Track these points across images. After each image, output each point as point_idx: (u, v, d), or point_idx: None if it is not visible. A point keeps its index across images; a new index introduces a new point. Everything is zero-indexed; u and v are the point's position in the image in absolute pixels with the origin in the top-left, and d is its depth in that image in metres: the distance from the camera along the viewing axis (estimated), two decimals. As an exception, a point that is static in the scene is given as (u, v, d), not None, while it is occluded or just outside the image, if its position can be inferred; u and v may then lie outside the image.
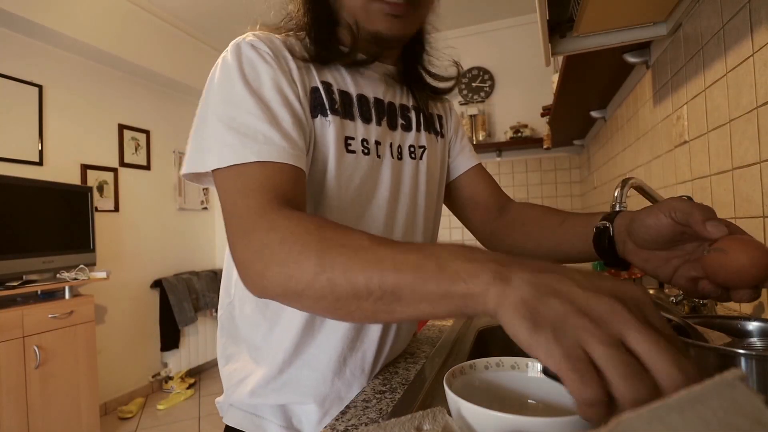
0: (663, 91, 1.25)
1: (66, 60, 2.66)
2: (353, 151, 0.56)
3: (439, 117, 0.72)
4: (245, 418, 0.62)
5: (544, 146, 2.99)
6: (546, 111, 2.64)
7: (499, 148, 3.30)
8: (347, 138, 0.55)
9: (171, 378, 3.10)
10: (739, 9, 0.78)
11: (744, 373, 0.30)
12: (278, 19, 0.59)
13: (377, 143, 0.59)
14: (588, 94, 1.89)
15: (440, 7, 0.66)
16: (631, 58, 1.37)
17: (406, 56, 0.67)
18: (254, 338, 0.61)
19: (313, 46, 0.56)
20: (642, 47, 1.35)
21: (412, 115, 0.65)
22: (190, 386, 3.12)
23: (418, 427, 0.35)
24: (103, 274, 2.49)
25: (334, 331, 0.58)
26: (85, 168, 2.74)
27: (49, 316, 2.11)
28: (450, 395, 0.34)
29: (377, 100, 0.60)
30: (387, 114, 0.61)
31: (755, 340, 0.45)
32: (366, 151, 0.57)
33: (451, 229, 3.49)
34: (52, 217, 2.36)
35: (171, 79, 3.18)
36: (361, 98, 0.58)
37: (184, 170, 0.51)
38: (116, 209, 2.93)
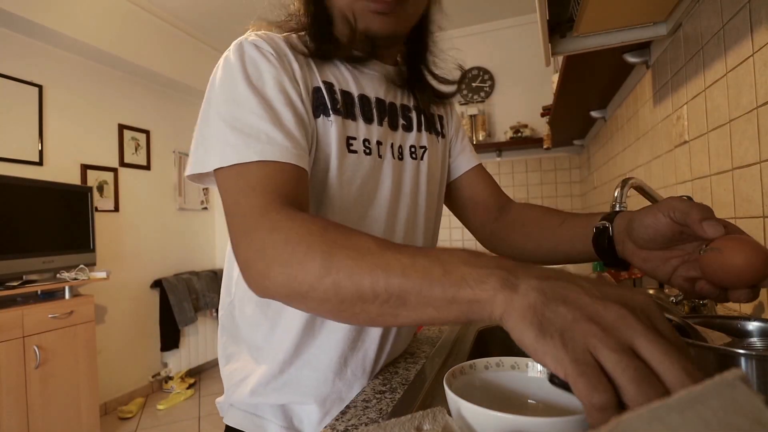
0: (663, 91, 1.25)
1: (66, 60, 2.66)
2: (355, 151, 0.56)
3: (440, 117, 0.72)
4: (245, 418, 0.62)
5: (544, 146, 2.99)
6: (546, 111, 2.64)
7: (499, 148, 3.30)
8: (349, 138, 0.55)
9: (171, 378, 3.10)
10: (739, 9, 0.78)
11: (744, 373, 0.30)
12: (278, 18, 0.59)
13: (379, 143, 0.58)
14: (588, 94, 1.89)
15: (447, 6, 0.66)
16: (631, 58, 1.37)
17: (410, 57, 0.67)
18: (255, 338, 0.61)
19: (313, 42, 0.56)
20: (642, 47, 1.35)
21: (413, 115, 0.65)
22: (190, 386, 3.12)
23: (418, 427, 0.35)
24: (103, 274, 2.49)
25: (335, 331, 0.58)
26: (85, 168, 2.74)
27: (49, 316, 2.11)
28: (450, 395, 0.34)
29: (378, 100, 0.60)
30: (388, 114, 0.61)
31: (755, 340, 0.45)
32: (367, 151, 0.57)
33: (451, 229, 3.49)
34: (52, 217, 2.36)
35: (171, 79, 3.18)
36: (363, 98, 0.58)
37: (187, 172, 0.51)
38: (116, 209, 2.93)
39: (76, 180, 2.68)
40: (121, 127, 3.00)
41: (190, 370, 3.29)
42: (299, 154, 0.47)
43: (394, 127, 0.62)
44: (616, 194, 0.73)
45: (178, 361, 3.21)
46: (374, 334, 0.61)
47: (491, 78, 3.43)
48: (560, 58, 1.68)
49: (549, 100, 2.54)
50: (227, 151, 0.45)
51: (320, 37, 0.56)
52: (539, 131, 3.20)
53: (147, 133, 3.20)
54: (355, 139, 0.56)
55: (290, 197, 0.44)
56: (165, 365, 3.19)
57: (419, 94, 0.67)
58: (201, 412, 2.77)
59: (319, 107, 0.54)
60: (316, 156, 0.53)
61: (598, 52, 1.21)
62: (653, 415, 0.20)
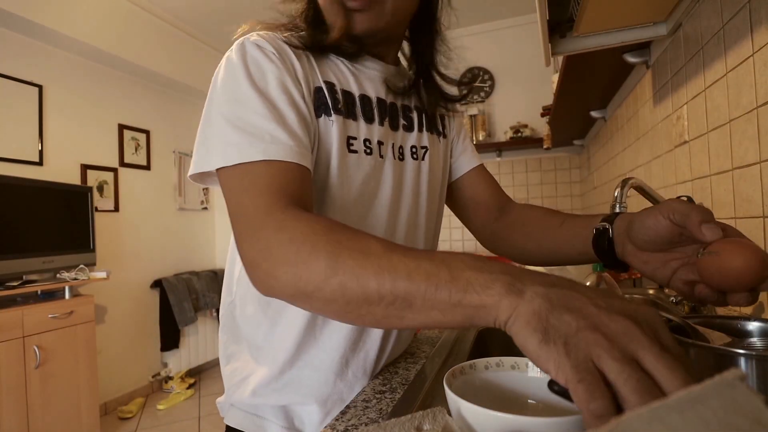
0: (663, 91, 1.25)
1: (66, 60, 2.66)
2: (355, 151, 0.56)
3: (442, 117, 0.71)
4: (246, 418, 0.62)
5: (544, 146, 2.99)
6: (546, 111, 2.64)
7: (499, 148, 3.30)
8: (349, 138, 0.55)
9: (171, 378, 3.10)
10: (739, 9, 0.78)
11: (744, 373, 0.30)
12: (274, 20, 0.59)
13: (380, 143, 0.58)
14: (588, 94, 1.89)
15: (457, 5, 0.65)
16: (631, 58, 1.37)
17: (416, 57, 0.66)
18: (255, 337, 0.61)
19: (310, 37, 0.56)
20: (642, 47, 1.35)
21: (414, 115, 0.65)
22: (190, 386, 3.12)
23: (418, 427, 0.35)
24: (103, 274, 2.49)
25: (336, 332, 0.58)
26: (85, 168, 2.74)
27: (49, 316, 2.11)
28: (450, 395, 0.34)
29: (379, 100, 0.60)
30: (389, 114, 0.61)
31: (755, 340, 0.45)
32: (368, 151, 0.57)
33: (451, 229, 3.49)
34: (52, 217, 2.36)
35: (171, 79, 3.18)
36: (364, 98, 0.58)
37: (190, 171, 0.51)
38: (116, 209, 2.93)
39: (76, 180, 2.68)
40: (121, 127, 3.00)
41: (190, 370, 3.29)
42: (303, 153, 0.47)
43: (394, 127, 0.62)
44: (616, 194, 0.73)
45: (178, 361, 3.21)
46: (375, 335, 0.61)
47: (491, 78, 3.43)
48: (560, 58, 1.68)
49: (549, 100, 2.54)
50: (230, 150, 0.45)
51: (317, 31, 0.56)
52: (539, 131, 3.20)
53: (147, 133, 3.20)
54: (355, 138, 0.56)
55: (294, 197, 0.44)
56: (165, 365, 3.19)
57: (426, 96, 0.66)
58: (201, 412, 2.77)
59: (320, 107, 0.54)
60: (317, 155, 0.53)
61: (598, 52, 1.21)
62: (653, 415, 0.20)
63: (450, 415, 0.35)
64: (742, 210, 0.79)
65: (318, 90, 0.54)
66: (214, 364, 3.55)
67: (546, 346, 0.25)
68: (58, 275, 2.34)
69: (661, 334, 0.26)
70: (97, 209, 2.72)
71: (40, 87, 2.49)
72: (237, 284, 0.63)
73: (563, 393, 0.25)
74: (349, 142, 0.55)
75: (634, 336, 0.25)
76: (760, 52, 0.72)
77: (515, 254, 0.69)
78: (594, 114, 2.16)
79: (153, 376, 3.12)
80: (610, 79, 1.68)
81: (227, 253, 0.66)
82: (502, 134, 3.36)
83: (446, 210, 0.76)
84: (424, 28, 0.65)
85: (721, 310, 0.76)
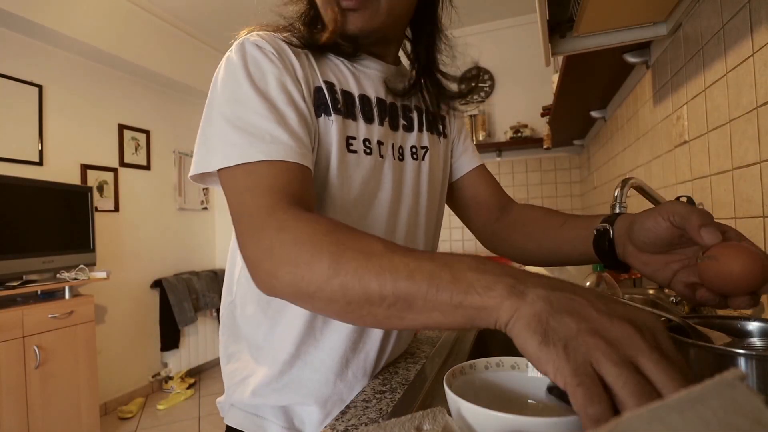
0: (663, 91, 1.25)
1: (66, 60, 2.66)
2: (354, 151, 0.56)
3: (442, 117, 0.71)
4: (246, 418, 0.62)
5: (544, 146, 2.99)
6: (546, 111, 2.64)
7: (499, 148, 3.30)
8: (349, 138, 0.55)
9: (171, 378, 3.10)
10: (739, 9, 0.78)
11: (744, 373, 0.30)
12: (279, 18, 0.59)
13: (379, 143, 0.58)
14: (588, 94, 1.89)
15: (457, 5, 0.65)
16: (631, 58, 1.37)
17: (417, 56, 0.66)
18: (256, 337, 0.61)
19: (307, 36, 0.56)
20: (642, 47, 1.35)
21: (414, 115, 0.65)
22: (190, 386, 3.12)
23: (418, 427, 0.35)
24: (103, 274, 2.49)
25: (336, 332, 0.58)
26: (85, 168, 2.74)
27: (49, 316, 2.11)
28: (450, 395, 0.34)
29: (379, 100, 0.60)
30: (389, 114, 0.61)
31: (755, 340, 0.45)
32: (368, 151, 0.57)
33: (451, 229, 3.49)
34: (52, 217, 2.36)
35: (171, 79, 3.18)
36: (363, 98, 0.58)
37: (191, 172, 0.51)
38: (116, 209, 2.93)
39: (76, 180, 2.68)
40: (121, 127, 3.00)
41: (190, 370, 3.29)
42: (304, 153, 0.47)
43: (394, 127, 0.62)
44: (616, 194, 0.73)
45: (178, 361, 3.21)
46: (375, 335, 0.61)
47: (491, 78, 3.43)
48: (560, 58, 1.68)
49: (549, 100, 2.54)
50: (231, 150, 0.45)
51: (311, 27, 0.56)
52: (539, 131, 3.20)
53: (147, 133, 3.20)
54: (354, 139, 0.56)
55: (296, 197, 0.44)
56: (165, 365, 3.19)
57: (428, 96, 0.66)
58: (201, 412, 2.77)
59: (320, 107, 0.54)
60: (317, 155, 0.53)
61: (598, 52, 1.21)
62: (653, 415, 0.20)
63: (450, 415, 0.35)
64: (742, 210, 0.79)
65: (318, 90, 0.54)
66: (214, 364, 3.55)
67: (545, 348, 0.25)
68: (58, 275, 2.34)
69: (661, 340, 0.26)
70: (97, 209, 2.72)
71: (40, 87, 2.49)
72: (237, 284, 0.63)
73: (562, 397, 0.25)
74: (348, 142, 0.55)
75: (634, 341, 0.25)
76: (760, 52, 0.72)
77: (515, 254, 0.69)
78: (594, 114, 2.17)
79: (153, 376, 3.12)
80: (610, 79, 1.68)
81: (227, 253, 0.66)
82: (502, 134, 3.36)
83: (446, 210, 0.76)
84: (424, 27, 0.64)
85: (720, 310, 0.76)
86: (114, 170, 2.93)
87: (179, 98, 3.52)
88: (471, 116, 3.36)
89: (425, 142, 0.65)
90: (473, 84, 0.70)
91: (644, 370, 0.24)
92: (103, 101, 2.88)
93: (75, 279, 2.33)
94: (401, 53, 0.68)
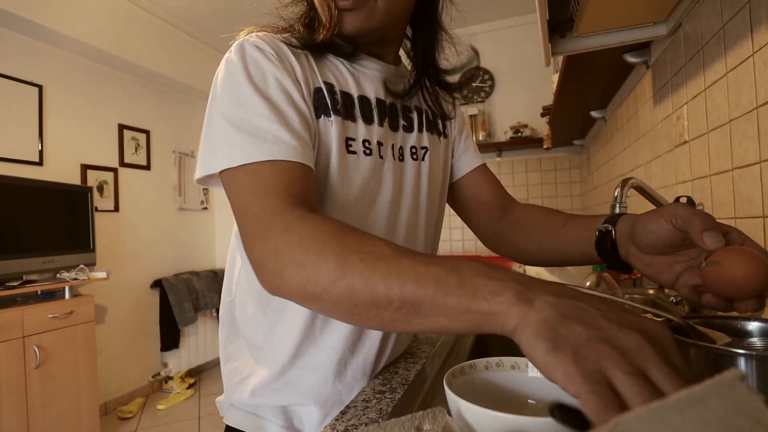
0: (663, 91, 1.25)
1: (66, 60, 2.66)
2: (354, 152, 0.56)
3: (443, 117, 0.71)
4: (246, 417, 0.62)
5: (544, 146, 2.99)
6: (546, 111, 2.64)
7: (499, 148, 3.30)
8: (348, 139, 0.55)
9: (171, 378, 3.10)
10: (739, 9, 0.78)
11: (744, 373, 0.30)
12: (278, 20, 0.59)
13: (379, 144, 0.58)
14: (588, 94, 1.89)
15: (457, 5, 0.65)
16: (631, 58, 1.37)
17: (416, 56, 0.66)
18: (255, 337, 0.61)
19: (305, 36, 0.55)
20: (642, 47, 1.35)
21: (414, 115, 0.65)
22: (190, 386, 3.12)
23: (418, 427, 0.35)
24: (103, 274, 2.49)
25: (335, 332, 0.58)
26: (85, 168, 2.74)
27: (49, 316, 2.11)
28: (450, 395, 0.34)
29: (379, 101, 0.60)
30: (388, 115, 0.61)
31: (755, 340, 0.45)
32: (368, 151, 0.57)
33: (451, 229, 3.49)
34: (52, 217, 2.35)
35: (171, 79, 3.18)
36: (363, 99, 0.58)
37: (196, 175, 0.50)
38: (116, 209, 2.93)
39: (76, 180, 2.68)
40: (121, 127, 3.00)
41: (190, 370, 3.29)
42: (306, 153, 0.47)
43: (394, 127, 0.62)
44: (616, 194, 0.74)
45: (178, 361, 3.21)
46: (374, 336, 0.61)
47: (491, 78, 3.43)
48: (560, 58, 1.68)
49: (549, 100, 2.54)
50: (234, 152, 0.45)
51: (309, 28, 0.56)
52: (539, 131, 3.20)
53: (147, 133, 3.20)
54: (354, 140, 0.56)
55: (300, 196, 0.44)
56: (165, 365, 3.19)
57: (428, 95, 0.66)
58: (201, 412, 2.77)
59: (320, 108, 0.54)
60: (317, 156, 0.53)
61: (598, 52, 1.21)
62: (653, 415, 0.20)
63: (450, 415, 0.35)
64: (742, 210, 0.79)
65: (318, 91, 0.54)
66: (214, 364, 3.55)
67: (554, 354, 0.25)
68: (58, 275, 2.34)
69: (670, 352, 0.26)
70: (97, 209, 2.72)
71: (40, 87, 2.49)
72: (237, 284, 0.63)
73: (566, 420, 0.25)
74: (347, 143, 0.55)
75: (645, 351, 0.25)
76: (760, 52, 0.72)
77: (517, 254, 0.69)
78: (594, 114, 2.17)
79: (153, 376, 3.12)
80: (610, 79, 1.68)
81: (227, 253, 0.66)
82: (502, 134, 3.36)
83: (446, 210, 0.76)
84: (424, 26, 0.64)
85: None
86: (114, 170, 2.93)
87: (179, 98, 3.52)
88: (471, 116, 3.37)
89: (425, 143, 0.65)
90: (470, 75, 0.69)
91: (654, 380, 0.24)
92: (103, 101, 2.88)
93: (75, 279, 2.33)
94: (402, 53, 0.68)
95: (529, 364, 0.41)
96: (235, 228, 0.59)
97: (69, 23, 2.46)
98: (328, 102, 0.54)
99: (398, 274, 0.33)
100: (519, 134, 3.20)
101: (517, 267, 1.95)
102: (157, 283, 3.13)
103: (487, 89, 3.43)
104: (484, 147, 3.27)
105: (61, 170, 2.58)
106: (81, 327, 2.26)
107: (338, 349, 0.59)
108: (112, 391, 2.80)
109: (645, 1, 0.99)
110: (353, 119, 0.56)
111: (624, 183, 0.75)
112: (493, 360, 0.42)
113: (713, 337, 0.42)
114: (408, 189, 0.62)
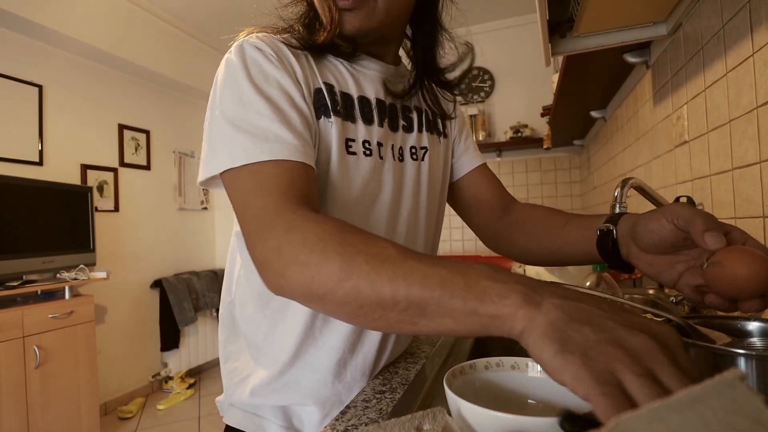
0: (663, 91, 1.25)
1: (66, 60, 2.66)
2: (354, 153, 0.56)
3: (443, 117, 0.71)
4: (245, 417, 0.62)
5: (544, 146, 2.99)
6: (546, 111, 2.64)
7: (499, 148, 3.30)
8: (348, 140, 0.55)
9: (171, 378, 3.10)
10: (739, 9, 0.78)
11: (744, 373, 0.30)
12: (278, 20, 0.59)
13: (379, 144, 0.58)
14: (588, 94, 1.89)
15: (461, 4, 0.65)
16: (631, 58, 1.37)
17: (415, 56, 0.66)
18: (255, 337, 0.61)
19: (305, 37, 0.55)
20: (642, 47, 1.35)
21: (414, 115, 0.65)
22: (190, 386, 3.12)
23: (418, 427, 0.35)
24: (103, 274, 2.49)
25: (335, 332, 0.58)
26: (85, 168, 2.74)
27: (49, 316, 2.11)
28: (450, 395, 0.34)
29: (379, 102, 0.60)
30: (388, 115, 0.61)
31: (755, 340, 0.45)
32: (368, 152, 0.57)
33: (451, 229, 3.49)
34: (52, 217, 2.35)
35: (171, 79, 3.18)
36: (363, 100, 0.58)
37: (200, 178, 0.50)
38: (116, 209, 2.93)
39: (76, 180, 2.68)
40: (121, 127, 3.00)
41: (190, 370, 3.29)
42: (308, 153, 0.47)
43: (394, 128, 0.62)
44: (616, 194, 0.74)
45: (178, 361, 3.21)
46: (374, 337, 0.61)
47: (491, 78, 3.43)
48: (560, 58, 1.68)
49: (549, 100, 2.54)
50: (236, 152, 0.45)
51: (309, 28, 0.56)
52: (539, 131, 3.20)
53: (147, 133, 3.20)
54: (354, 140, 0.56)
55: (302, 196, 0.44)
56: (165, 365, 3.19)
57: (428, 95, 0.66)
58: (201, 412, 2.77)
59: (320, 108, 0.54)
60: (317, 157, 0.53)
61: (598, 52, 1.21)
62: (653, 415, 0.20)
63: (450, 415, 0.35)
64: (742, 210, 0.79)
65: (318, 91, 0.54)
66: (214, 364, 3.55)
67: (562, 356, 0.25)
68: (58, 275, 2.34)
69: (678, 354, 0.26)
70: (97, 209, 2.72)
71: (40, 87, 2.49)
72: (236, 284, 0.63)
73: (575, 430, 0.25)
74: (347, 144, 0.55)
75: (654, 353, 0.25)
76: (760, 52, 0.72)
77: (517, 254, 0.69)
78: (594, 114, 2.17)
79: (153, 376, 3.12)
80: (610, 79, 1.68)
81: (227, 253, 0.66)
82: (502, 134, 3.36)
83: (446, 210, 0.76)
84: (424, 26, 0.64)
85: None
86: (114, 170, 2.93)
87: (179, 98, 3.52)
88: (471, 116, 3.37)
89: (425, 143, 0.65)
90: (467, 69, 0.69)
91: (664, 381, 0.24)
92: (103, 101, 2.88)
93: (75, 279, 2.33)
94: (402, 52, 0.68)
95: (529, 364, 0.41)
96: (236, 228, 0.59)
97: (69, 23, 2.46)
98: (328, 103, 0.54)
99: (404, 276, 0.33)
100: (519, 134, 3.20)
101: (517, 267, 1.95)
102: (157, 283, 3.13)
103: (487, 89, 3.43)
104: (484, 147, 3.27)
105: (61, 170, 2.58)
106: (81, 327, 2.26)
107: (338, 350, 0.58)
108: (112, 391, 2.80)
109: (645, 1, 0.99)
110: (353, 120, 0.56)
111: (624, 183, 0.75)
112: (493, 360, 0.42)
113: (713, 337, 0.42)
114: (408, 189, 0.62)
